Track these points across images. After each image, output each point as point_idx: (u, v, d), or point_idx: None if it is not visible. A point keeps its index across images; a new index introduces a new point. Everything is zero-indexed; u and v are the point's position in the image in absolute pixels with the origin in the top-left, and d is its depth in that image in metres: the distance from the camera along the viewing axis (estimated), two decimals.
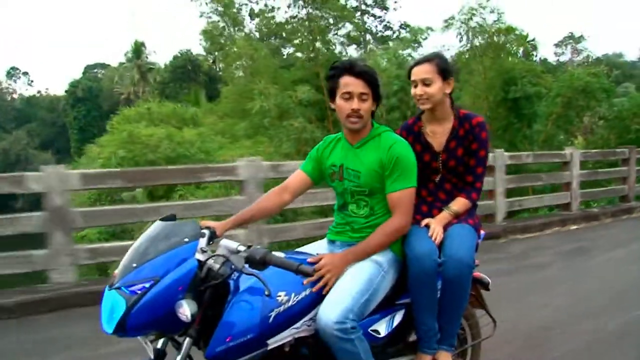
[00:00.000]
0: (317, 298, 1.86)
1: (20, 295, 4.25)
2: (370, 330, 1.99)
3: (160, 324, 1.59)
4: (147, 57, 40.05)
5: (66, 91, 44.98)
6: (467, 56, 13.50)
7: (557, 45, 42.67)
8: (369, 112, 2.03)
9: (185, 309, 1.55)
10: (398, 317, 2.11)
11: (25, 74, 59.21)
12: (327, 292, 1.87)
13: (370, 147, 2.06)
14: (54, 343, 3.55)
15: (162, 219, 1.78)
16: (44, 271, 4.62)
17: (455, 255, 2.05)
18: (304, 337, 1.87)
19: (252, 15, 26.83)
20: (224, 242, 1.79)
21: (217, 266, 1.68)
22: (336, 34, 22.23)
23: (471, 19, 12.84)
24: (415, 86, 2.27)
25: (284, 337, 1.80)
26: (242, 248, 1.72)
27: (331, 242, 2.21)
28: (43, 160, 42.43)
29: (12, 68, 57.44)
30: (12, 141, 44.08)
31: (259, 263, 1.66)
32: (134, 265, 1.60)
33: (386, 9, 29.09)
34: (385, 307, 2.06)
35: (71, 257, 4.56)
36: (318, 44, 16.15)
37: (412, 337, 2.24)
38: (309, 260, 1.90)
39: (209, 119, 16.06)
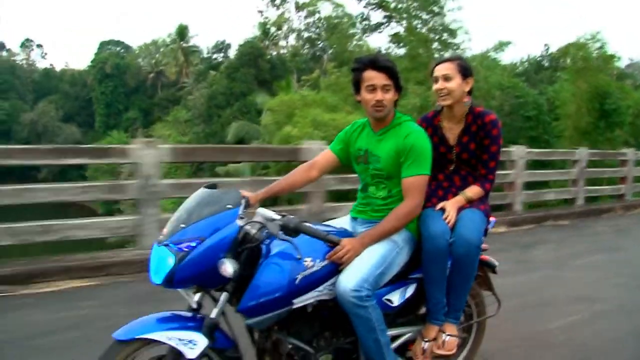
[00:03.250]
0: (338, 267, 2.04)
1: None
2: (385, 299, 2.15)
3: (203, 278, 1.80)
4: (190, 40, 42.15)
5: (92, 66, 45.80)
6: (573, 75, 17.31)
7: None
8: (391, 101, 2.14)
9: (228, 267, 1.77)
10: (410, 290, 2.26)
11: (40, 46, 58.96)
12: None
13: (390, 135, 2.18)
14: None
15: (205, 187, 1.99)
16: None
17: (465, 236, 2.18)
18: (325, 300, 2.04)
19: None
20: (261, 210, 1.96)
21: (253, 231, 1.89)
22: (381, 31, 25.09)
23: (583, 47, 16.69)
24: (437, 82, 2.37)
25: (307, 299, 1.98)
26: (277, 217, 1.90)
27: (353, 219, 2.36)
28: (69, 133, 43.40)
29: (27, 40, 56.87)
30: (39, 113, 44.72)
31: (292, 230, 1.83)
32: (182, 225, 1.81)
33: (435, 13, 31.55)
34: (399, 280, 2.22)
35: None
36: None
37: (422, 311, 2.41)
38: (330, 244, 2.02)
39: (346, 107, 19.09)
